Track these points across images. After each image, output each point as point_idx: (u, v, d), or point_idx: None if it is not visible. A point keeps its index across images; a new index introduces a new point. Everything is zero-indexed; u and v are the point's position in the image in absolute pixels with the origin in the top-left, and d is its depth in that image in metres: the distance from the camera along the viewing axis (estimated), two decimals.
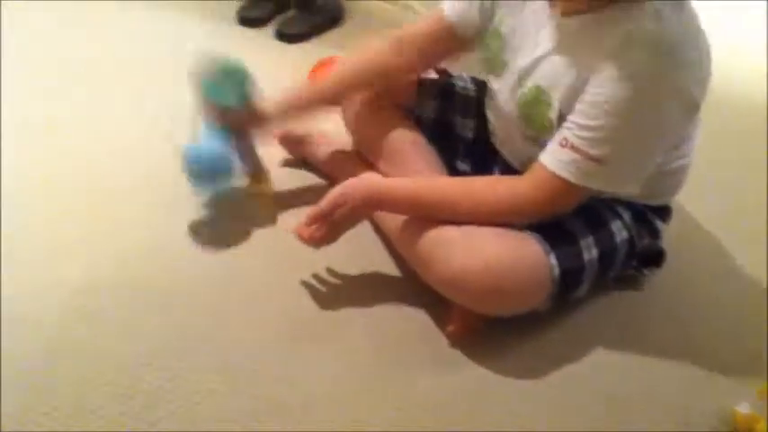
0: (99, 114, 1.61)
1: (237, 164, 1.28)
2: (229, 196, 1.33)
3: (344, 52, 1.85)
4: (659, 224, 1.21)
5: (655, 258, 1.26)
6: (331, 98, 1.36)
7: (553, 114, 1.05)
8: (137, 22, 2.01)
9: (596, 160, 0.98)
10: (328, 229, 1.13)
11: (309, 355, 1.09)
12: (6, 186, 1.36)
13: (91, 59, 1.81)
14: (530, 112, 1.10)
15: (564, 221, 1.10)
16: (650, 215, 1.19)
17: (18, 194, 1.34)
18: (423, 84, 1.37)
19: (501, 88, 1.18)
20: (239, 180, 1.30)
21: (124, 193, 1.38)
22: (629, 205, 1.16)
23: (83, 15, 2.00)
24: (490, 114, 1.28)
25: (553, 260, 1.06)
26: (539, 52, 1.08)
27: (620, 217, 1.15)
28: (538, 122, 1.09)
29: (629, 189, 1.05)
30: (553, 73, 1.05)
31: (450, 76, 1.39)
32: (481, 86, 1.34)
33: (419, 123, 1.35)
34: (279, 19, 2.06)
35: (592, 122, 0.98)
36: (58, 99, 1.65)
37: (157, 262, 1.23)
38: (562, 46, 1.05)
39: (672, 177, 1.16)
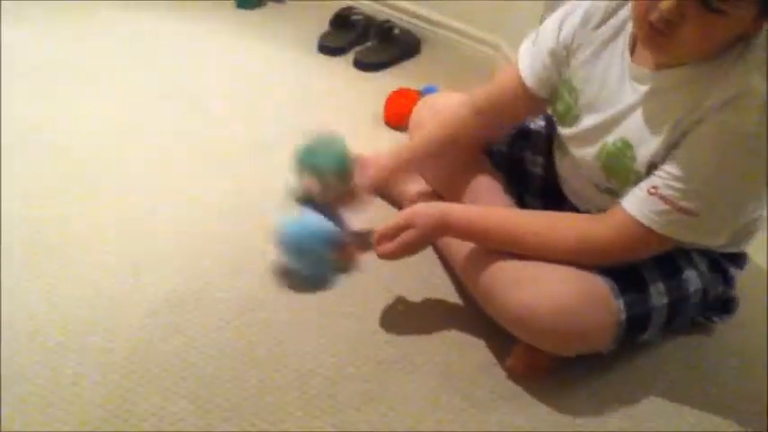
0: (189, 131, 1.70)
1: (336, 237, 1.27)
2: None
3: (418, 82, 1.90)
4: (733, 271, 1.18)
5: (726, 306, 1.23)
6: (418, 165, 1.41)
7: (641, 168, 1.03)
8: (221, 47, 2.11)
9: (686, 212, 0.97)
10: (396, 246, 1.15)
11: (369, 380, 1.12)
12: (88, 196, 1.44)
13: (167, 82, 1.91)
14: (613, 165, 1.08)
15: (635, 265, 1.09)
16: (725, 263, 1.17)
17: (98, 201, 1.43)
18: None
19: (576, 139, 1.16)
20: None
21: (209, 207, 1.45)
22: (705, 253, 1.13)
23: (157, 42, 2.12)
24: (558, 160, 1.28)
25: (621, 305, 1.05)
26: (623, 105, 1.06)
27: (695, 266, 1.13)
28: (621, 176, 1.07)
29: (713, 242, 1.03)
30: (643, 129, 1.03)
31: None
32: (552, 123, 1.36)
33: (491, 156, 1.38)
34: (357, 48, 2.12)
35: (686, 174, 0.96)
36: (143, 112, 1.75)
37: (239, 278, 1.28)
38: (654, 101, 1.02)
39: (750, 225, 1.14)
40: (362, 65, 2.06)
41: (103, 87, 1.83)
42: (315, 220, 1.26)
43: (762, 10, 0.89)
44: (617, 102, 1.07)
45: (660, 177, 0.99)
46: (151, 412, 1.03)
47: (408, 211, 1.17)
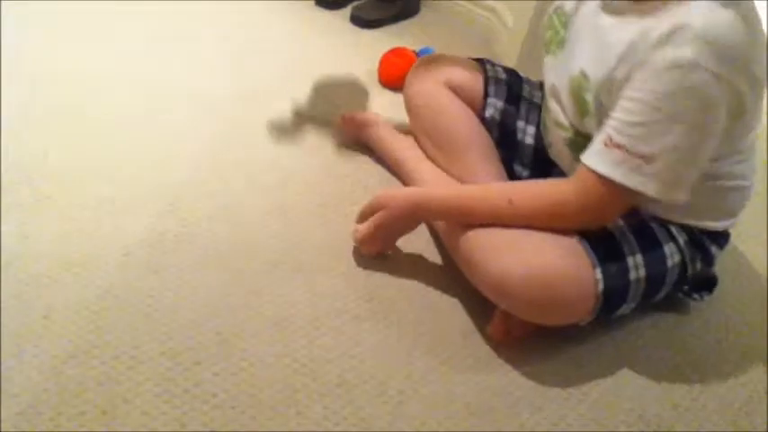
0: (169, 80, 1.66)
1: None
2: None
3: (414, 43, 1.86)
4: (714, 250, 1.19)
5: (706, 284, 1.24)
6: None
7: (590, 100, 1.05)
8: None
9: (642, 157, 0.96)
10: (367, 227, 1.19)
11: (344, 333, 1.12)
12: (62, 138, 1.41)
13: (163, 37, 1.86)
14: (576, 96, 1.09)
15: (615, 235, 1.09)
16: (706, 241, 1.17)
17: (75, 145, 1.39)
18: (490, 83, 1.37)
19: (555, 68, 1.17)
20: None
21: (193, 151, 1.43)
22: (686, 229, 1.14)
23: None
24: (544, 114, 1.27)
25: (599, 274, 1.05)
26: (591, 35, 1.07)
27: (674, 239, 1.13)
28: (582, 107, 1.08)
29: (677, 194, 1.01)
30: (595, 59, 1.04)
31: (519, 78, 1.40)
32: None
33: (483, 122, 1.36)
34: (356, 3, 2.08)
35: (636, 118, 0.96)
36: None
37: (219, 224, 1.26)
38: (608, 33, 1.03)
39: (729, 198, 1.13)
40: (360, 21, 2.02)
41: (96, 28, 1.79)
42: None
43: None
44: (586, 31, 1.08)
45: (612, 127, 0.99)
46: (122, 350, 1.02)
47: (381, 194, 1.20)
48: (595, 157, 1.01)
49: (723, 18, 0.93)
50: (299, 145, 1.50)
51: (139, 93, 1.58)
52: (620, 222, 1.11)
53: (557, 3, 1.19)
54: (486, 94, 1.37)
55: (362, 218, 1.21)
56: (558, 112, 1.17)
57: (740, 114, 0.99)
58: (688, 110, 0.94)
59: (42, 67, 1.60)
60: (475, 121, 1.35)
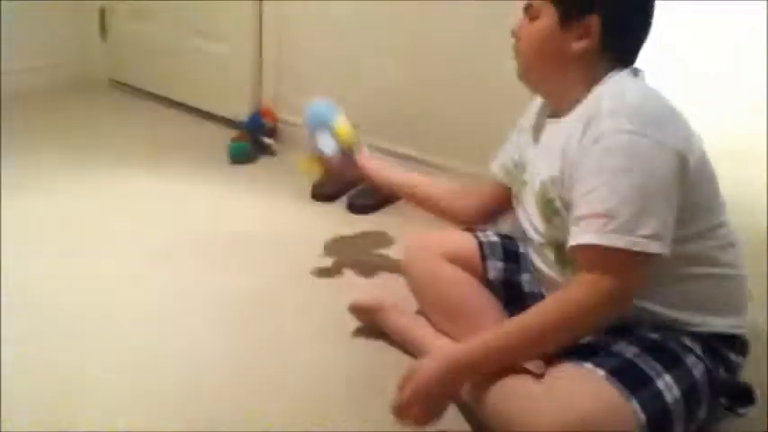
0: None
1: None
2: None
3: (410, 223, 1.94)
4: (734, 357, 1.19)
5: (743, 395, 1.21)
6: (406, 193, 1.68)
7: (553, 197, 1.18)
8: (216, 201, 2.17)
9: (605, 215, 1.04)
10: (411, 402, 1.14)
11: None
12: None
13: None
14: (543, 203, 1.21)
15: (636, 362, 1.10)
16: (721, 347, 1.17)
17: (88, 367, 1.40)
18: (485, 246, 1.44)
19: (526, 204, 1.29)
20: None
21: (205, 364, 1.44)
22: (697, 337, 1.15)
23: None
24: (534, 259, 1.32)
25: (635, 405, 1.04)
26: (541, 150, 1.25)
27: (690, 350, 1.14)
28: (547, 210, 1.20)
29: (654, 245, 1.04)
30: (547, 166, 1.19)
31: (510, 237, 1.47)
32: None
33: (488, 284, 1.40)
34: (351, 192, 2.18)
35: (587, 189, 1.08)
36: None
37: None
38: (550, 140, 1.22)
39: (723, 288, 1.18)
40: (355, 207, 2.11)
41: (93, 246, 1.85)
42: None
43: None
44: (538, 149, 1.27)
45: (576, 207, 1.10)
46: None
47: (414, 362, 1.20)
48: (573, 242, 1.09)
49: (630, 89, 1.13)
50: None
51: (139, 308, 1.59)
52: (635, 349, 1.12)
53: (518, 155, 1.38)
54: (483, 258, 1.40)
55: (400, 390, 1.17)
56: (538, 240, 1.26)
57: (679, 157, 1.07)
58: (625, 162, 1.06)
59: (39, 291, 1.61)
60: (480, 287, 1.40)
